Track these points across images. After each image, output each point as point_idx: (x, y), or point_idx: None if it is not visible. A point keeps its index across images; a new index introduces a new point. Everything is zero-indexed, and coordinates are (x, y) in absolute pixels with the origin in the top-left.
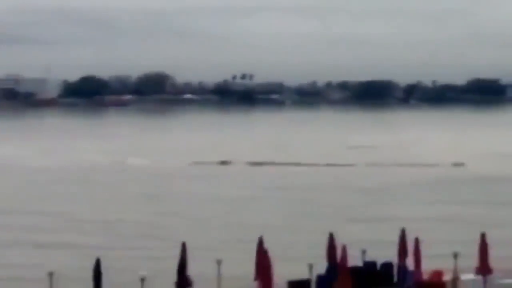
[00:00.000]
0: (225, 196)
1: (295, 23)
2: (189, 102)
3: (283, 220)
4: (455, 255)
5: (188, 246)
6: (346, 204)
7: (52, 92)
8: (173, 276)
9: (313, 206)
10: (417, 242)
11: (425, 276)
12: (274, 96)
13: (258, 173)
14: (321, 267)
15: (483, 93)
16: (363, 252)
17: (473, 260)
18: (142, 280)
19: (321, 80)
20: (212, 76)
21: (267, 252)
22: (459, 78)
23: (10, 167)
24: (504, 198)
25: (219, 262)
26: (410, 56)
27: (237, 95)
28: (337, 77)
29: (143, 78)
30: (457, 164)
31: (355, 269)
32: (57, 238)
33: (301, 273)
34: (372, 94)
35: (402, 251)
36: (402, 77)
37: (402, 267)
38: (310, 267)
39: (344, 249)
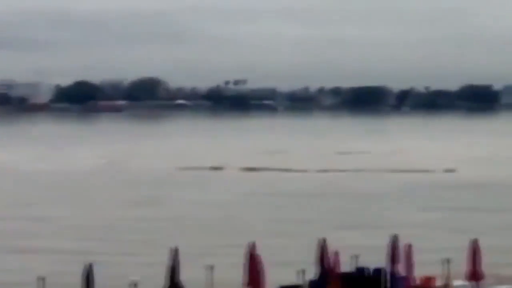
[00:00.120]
0: (217, 201)
1: (289, 28)
2: (182, 107)
3: (275, 226)
4: (447, 261)
5: (179, 251)
6: (337, 210)
7: (45, 96)
8: (164, 282)
9: (305, 212)
10: (408, 248)
11: (417, 282)
12: (267, 102)
13: (250, 178)
14: (313, 272)
15: (476, 100)
16: (355, 257)
17: (465, 266)
18: (134, 285)
19: (314, 86)
20: (205, 81)
21: (259, 257)
22: (452, 84)
23: (1, 172)
24: (495, 204)
25: (210, 268)
26: (404, 60)
27: (230, 101)
28: (329, 83)
29: (136, 83)
30: (448, 170)
31: (346, 275)
32: (47, 243)
33: (292, 279)
34: (364, 100)
35: (394, 257)
36: (395, 83)
37: (393, 273)
38: (302, 272)
39: (336, 255)
